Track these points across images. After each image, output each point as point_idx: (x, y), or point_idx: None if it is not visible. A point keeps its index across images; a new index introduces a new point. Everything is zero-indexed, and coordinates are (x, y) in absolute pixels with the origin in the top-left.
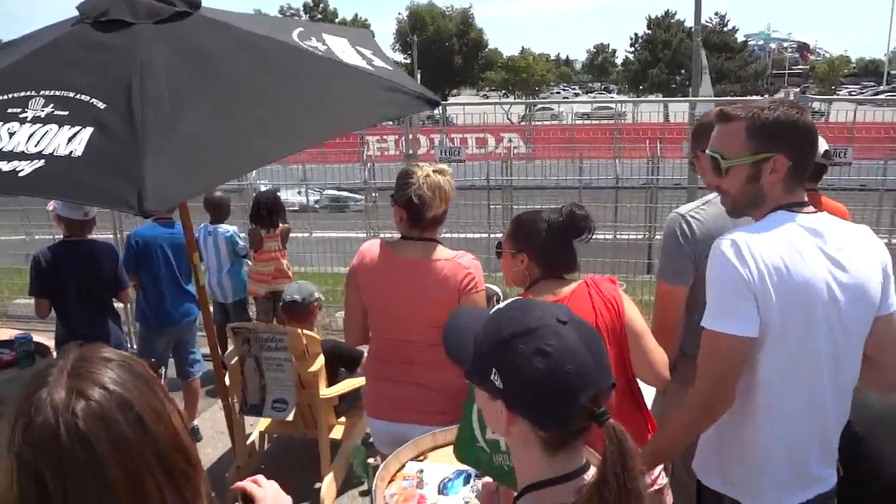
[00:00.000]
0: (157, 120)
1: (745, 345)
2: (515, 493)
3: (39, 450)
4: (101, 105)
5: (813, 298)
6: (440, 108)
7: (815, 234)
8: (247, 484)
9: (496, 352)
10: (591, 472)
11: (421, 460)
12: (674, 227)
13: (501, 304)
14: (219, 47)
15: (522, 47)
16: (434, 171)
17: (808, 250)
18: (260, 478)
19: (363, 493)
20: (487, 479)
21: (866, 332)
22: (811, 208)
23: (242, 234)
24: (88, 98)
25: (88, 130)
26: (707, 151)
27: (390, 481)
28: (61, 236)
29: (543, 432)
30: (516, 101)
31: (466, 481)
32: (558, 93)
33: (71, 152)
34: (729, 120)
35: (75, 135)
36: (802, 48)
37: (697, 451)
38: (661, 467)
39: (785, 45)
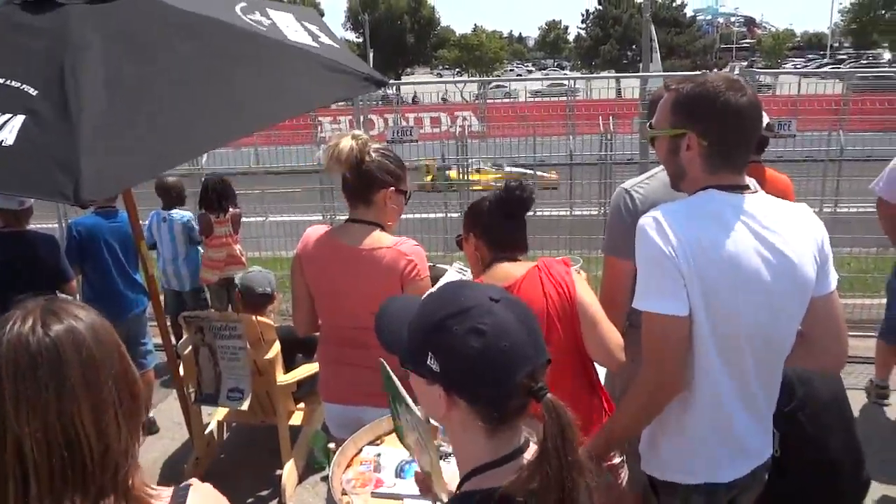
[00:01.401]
0: (92, 106)
1: (678, 324)
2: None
3: (7, 351)
4: (32, 91)
5: (738, 277)
6: (394, 87)
7: (747, 214)
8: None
9: (431, 335)
10: (532, 450)
11: (378, 444)
12: (618, 202)
13: (433, 289)
14: (156, 29)
15: (475, 25)
16: (340, 139)
17: (735, 229)
18: (193, 480)
19: (325, 479)
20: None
21: (800, 313)
22: (749, 190)
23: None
24: (19, 84)
25: (20, 118)
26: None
27: (347, 466)
28: None
29: (483, 412)
30: (470, 79)
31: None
32: (512, 70)
33: (2, 141)
34: (667, 90)
35: (5, 123)
36: (749, 22)
37: (641, 437)
38: None
39: (732, 19)
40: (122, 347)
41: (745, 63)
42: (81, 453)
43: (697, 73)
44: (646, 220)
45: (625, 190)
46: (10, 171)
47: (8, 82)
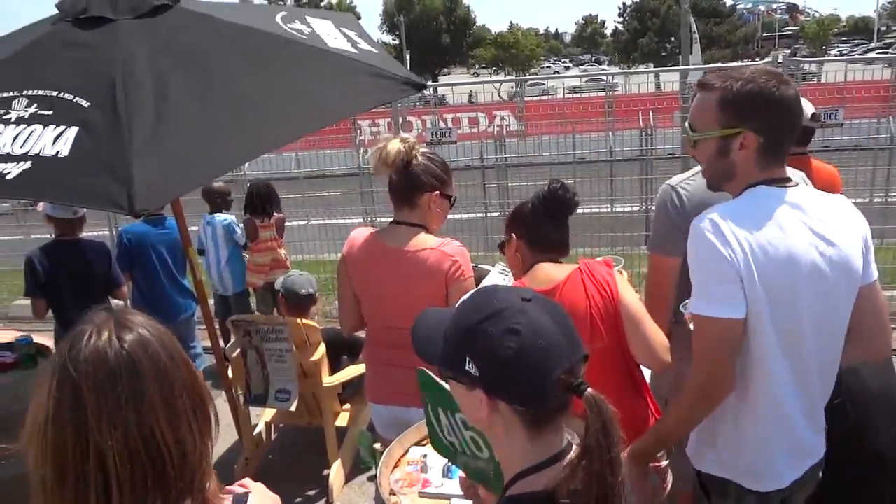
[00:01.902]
0: (142, 117)
1: (734, 327)
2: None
3: (87, 366)
4: (85, 104)
5: (798, 274)
6: (431, 89)
7: (797, 208)
8: (234, 488)
9: (467, 339)
10: (575, 452)
11: (425, 444)
12: (664, 199)
13: (464, 296)
14: (201, 40)
15: (511, 22)
16: (388, 141)
17: (790, 225)
18: (247, 480)
19: (371, 479)
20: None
21: (851, 303)
22: (792, 182)
23: (240, 225)
24: (72, 97)
25: (74, 130)
26: (687, 123)
27: (395, 466)
28: (54, 237)
29: (524, 413)
30: (506, 78)
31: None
32: (548, 67)
33: (57, 153)
34: (705, 89)
35: (60, 134)
36: (792, 9)
37: (690, 438)
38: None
39: (774, 6)
40: (185, 355)
41: (788, 51)
42: (162, 462)
43: (723, 65)
44: (702, 223)
45: (671, 186)
46: (66, 182)
47: (62, 95)
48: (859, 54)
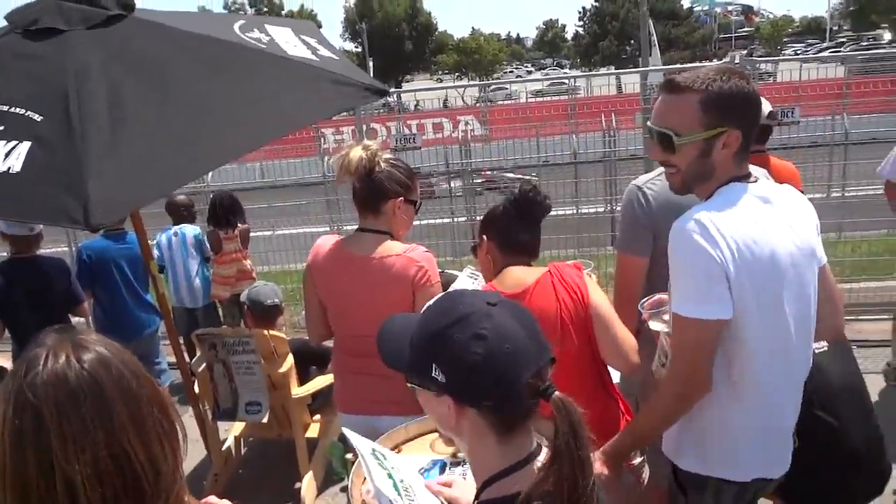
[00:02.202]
0: (97, 130)
1: (717, 327)
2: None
3: (46, 388)
4: (37, 118)
5: (779, 268)
6: (395, 95)
7: (767, 202)
8: None
9: (433, 346)
10: (545, 454)
11: (396, 453)
12: (631, 199)
13: (430, 302)
14: (156, 49)
15: (472, 28)
16: (350, 149)
17: (766, 220)
18: (212, 498)
19: (344, 489)
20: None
21: (816, 288)
22: (753, 177)
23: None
24: (24, 111)
25: (26, 145)
26: (651, 125)
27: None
28: (9, 255)
29: (493, 418)
30: (469, 83)
31: (442, 470)
32: (511, 72)
33: (9, 168)
34: (678, 91)
35: (12, 150)
36: (747, 10)
37: (667, 435)
38: None
39: (729, 8)
40: (146, 372)
41: (745, 52)
42: (137, 480)
43: (682, 66)
44: (688, 225)
45: (637, 187)
46: (19, 198)
47: (13, 109)
48: (813, 54)
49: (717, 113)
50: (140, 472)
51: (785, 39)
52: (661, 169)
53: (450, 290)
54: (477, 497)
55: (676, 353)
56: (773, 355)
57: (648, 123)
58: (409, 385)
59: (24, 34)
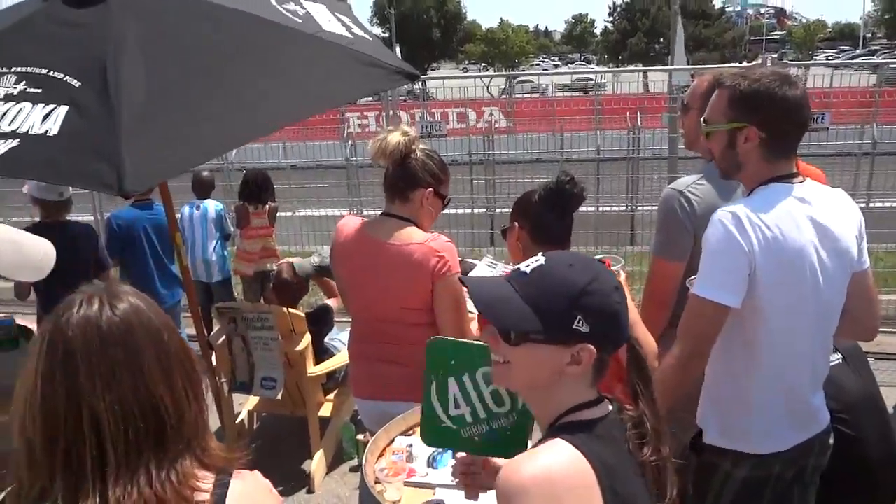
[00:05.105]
0: (133, 98)
1: (727, 313)
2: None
3: (78, 330)
4: (75, 83)
5: (805, 264)
6: (420, 82)
7: (805, 202)
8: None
9: (578, 300)
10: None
11: (410, 435)
12: (672, 204)
13: (530, 266)
14: (195, 23)
15: (501, 19)
16: (389, 132)
17: (800, 219)
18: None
19: (353, 469)
20: (460, 454)
21: (846, 287)
22: (800, 178)
23: (231, 212)
24: (62, 76)
25: (63, 109)
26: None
27: (380, 456)
28: (38, 219)
29: (599, 363)
30: (496, 73)
31: (455, 453)
32: (538, 65)
33: (46, 131)
34: (720, 87)
35: (50, 113)
36: (779, 14)
37: (699, 408)
38: None
39: (762, 10)
40: (174, 325)
41: (776, 55)
42: (160, 423)
43: (710, 66)
44: (723, 215)
45: (679, 192)
46: (55, 160)
47: (52, 73)
48: (845, 60)
49: (739, 109)
50: (164, 416)
51: (817, 45)
52: (698, 176)
53: (475, 274)
54: (550, 427)
55: (687, 328)
56: (789, 341)
57: None
58: (511, 345)
59: (65, 1)
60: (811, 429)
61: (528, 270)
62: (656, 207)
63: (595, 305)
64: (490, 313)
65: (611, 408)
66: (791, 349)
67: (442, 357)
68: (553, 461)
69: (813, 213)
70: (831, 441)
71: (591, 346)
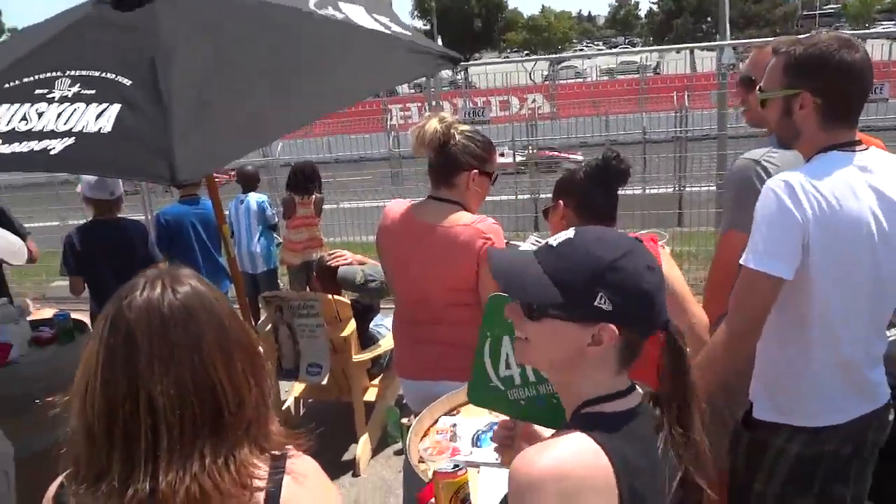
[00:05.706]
0: (182, 94)
1: (780, 285)
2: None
3: (140, 312)
4: (126, 82)
5: (862, 235)
6: (462, 71)
7: (866, 171)
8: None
9: (602, 276)
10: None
11: (454, 414)
12: (749, 175)
13: (558, 240)
14: (237, 20)
15: (542, 6)
16: (427, 120)
17: (858, 187)
18: (292, 452)
19: (398, 453)
20: (504, 418)
21: None
22: (863, 146)
23: (278, 204)
24: (114, 76)
25: (116, 107)
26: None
27: (424, 435)
28: (91, 218)
29: (626, 349)
30: (539, 57)
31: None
32: (581, 50)
33: (100, 129)
34: (777, 54)
35: (103, 112)
36: None
37: (752, 383)
38: None
39: None
40: (234, 311)
41: (830, 29)
42: (218, 408)
43: (757, 40)
44: (776, 184)
45: (754, 161)
46: (110, 156)
47: (104, 75)
48: None
49: (794, 75)
50: (222, 401)
51: (875, 17)
52: (767, 148)
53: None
54: (572, 416)
55: (739, 302)
56: (848, 317)
57: None
58: (533, 320)
59: (114, 4)
60: (869, 403)
61: (555, 244)
62: (705, 187)
63: (620, 282)
64: (507, 283)
65: (640, 401)
66: (846, 322)
67: (500, 314)
68: (567, 454)
69: (875, 182)
70: (891, 417)
71: (613, 327)
